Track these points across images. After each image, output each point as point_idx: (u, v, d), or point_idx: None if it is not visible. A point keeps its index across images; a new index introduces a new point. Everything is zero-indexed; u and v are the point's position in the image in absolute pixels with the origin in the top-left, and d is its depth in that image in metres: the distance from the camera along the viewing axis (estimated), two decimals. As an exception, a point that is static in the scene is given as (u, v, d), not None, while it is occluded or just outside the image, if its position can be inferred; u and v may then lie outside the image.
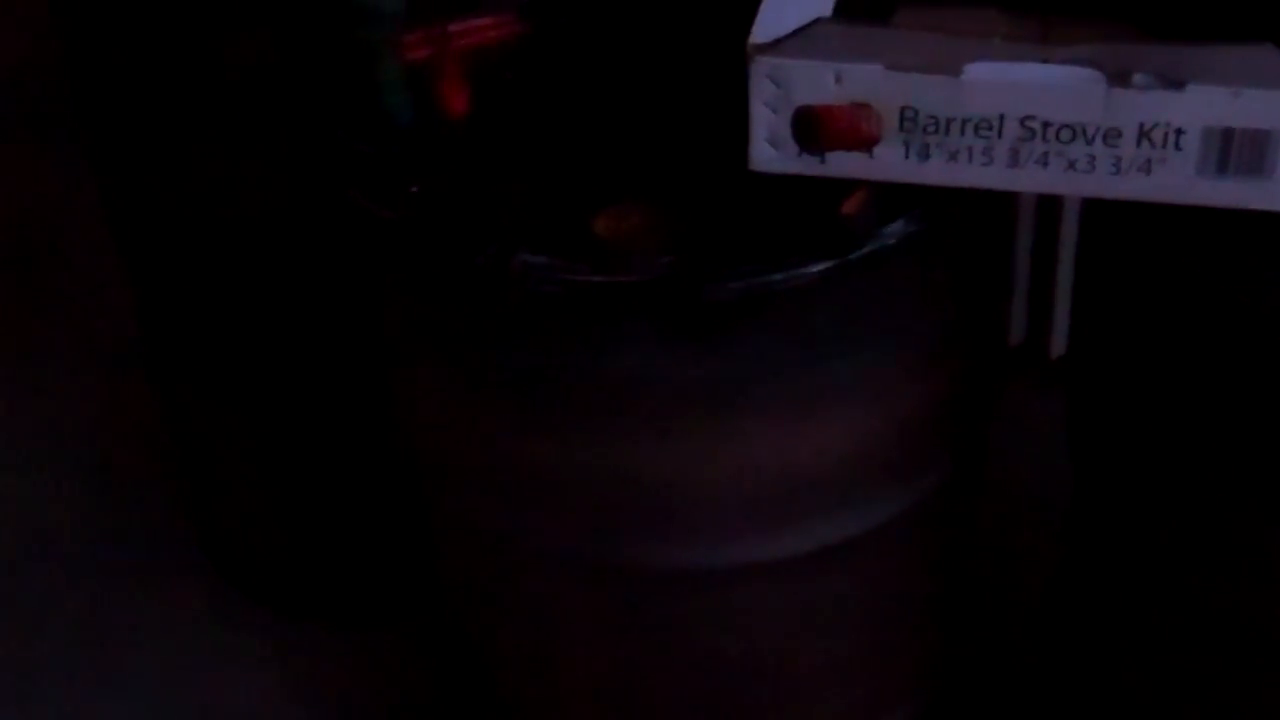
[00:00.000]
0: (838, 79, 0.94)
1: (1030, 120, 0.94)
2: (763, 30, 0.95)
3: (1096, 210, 1.20)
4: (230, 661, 1.63)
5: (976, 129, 0.95)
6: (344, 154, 1.07)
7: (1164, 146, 0.93)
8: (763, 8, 0.97)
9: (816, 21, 0.95)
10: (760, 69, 0.95)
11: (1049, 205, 1.63)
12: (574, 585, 1.16)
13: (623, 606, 1.16)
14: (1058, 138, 0.94)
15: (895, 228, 0.99)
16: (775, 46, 0.94)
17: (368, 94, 1.07)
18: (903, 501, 1.15)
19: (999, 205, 1.19)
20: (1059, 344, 1.82)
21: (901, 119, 0.95)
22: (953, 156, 0.96)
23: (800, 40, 0.94)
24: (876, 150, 0.96)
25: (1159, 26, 0.97)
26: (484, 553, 1.21)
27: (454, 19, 1.10)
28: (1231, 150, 0.93)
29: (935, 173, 0.96)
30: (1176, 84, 0.91)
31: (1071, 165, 0.95)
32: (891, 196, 0.98)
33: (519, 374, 1.05)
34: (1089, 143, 0.94)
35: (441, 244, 1.01)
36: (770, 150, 0.98)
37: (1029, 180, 0.96)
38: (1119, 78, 0.92)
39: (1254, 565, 1.06)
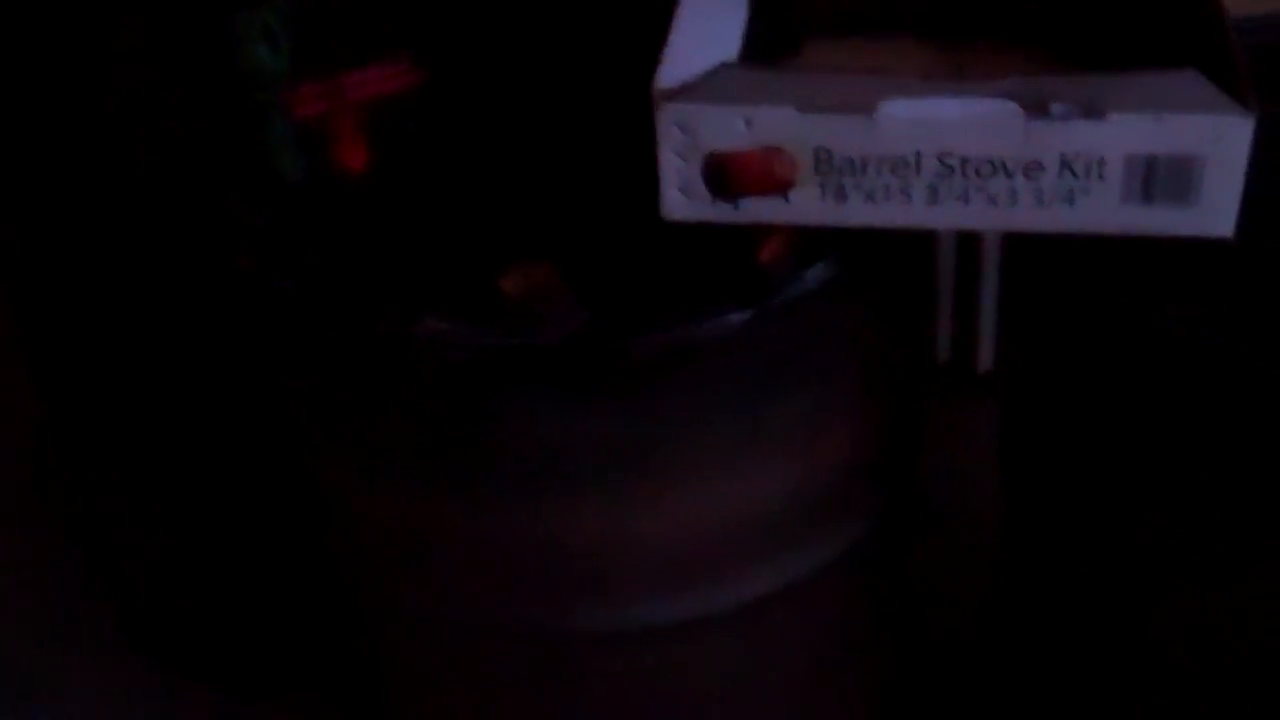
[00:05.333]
0: (748, 123, 0.91)
1: (948, 157, 0.91)
2: (668, 75, 0.92)
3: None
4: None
5: (894, 168, 0.92)
6: (235, 221, 1.02)
7: (1087, 177, 0.91)
8: (667, 52, 0.93)
9: (722, 65, 0.92)
10: (667, 116, 0.91)
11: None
12: (502, 654, 1.12)
13: (554, 671, 1.12)
14: (977, 173, 0.91)
15: (815, 272, 0.95)
16: (682, 92, 0.91)
17: (258, 157, 1.02)
18: (839, 543, 1.12)
19: (920, 234, 1.17)
20: (985, 359, 1.80)
21: (816, 161, 0.92)
22: (870, 197, 0.93)
23: (707, 84, 0.91)
24: (792, 194, 0.93)
25: (1078, 54, 0.94)
26: (405, 627, 1.17)
27: (347, 71, 1.05)
28: (1156, 177, 0.90)
29: (853, 214, 0.93)
30: (1097, 112, 0.89)
31: (993, 200, 0.92)
32: (810, 240, 0.95)
33: (431, 444, 1.00)
34: (1009, 176, 0.91)
35: (341, 311, 0.96)
36: (682, 199, 0.94)
37: (950, 217, 0.94)
38: (1037, 109, 0.89)
39: (1187, 581, 1.04)
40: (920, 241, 1.21)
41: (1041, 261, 1.16)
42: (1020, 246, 1.68)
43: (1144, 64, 0.90)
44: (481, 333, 0.92)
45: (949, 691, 1.48)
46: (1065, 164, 0.91)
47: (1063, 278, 1.08)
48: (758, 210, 0.94)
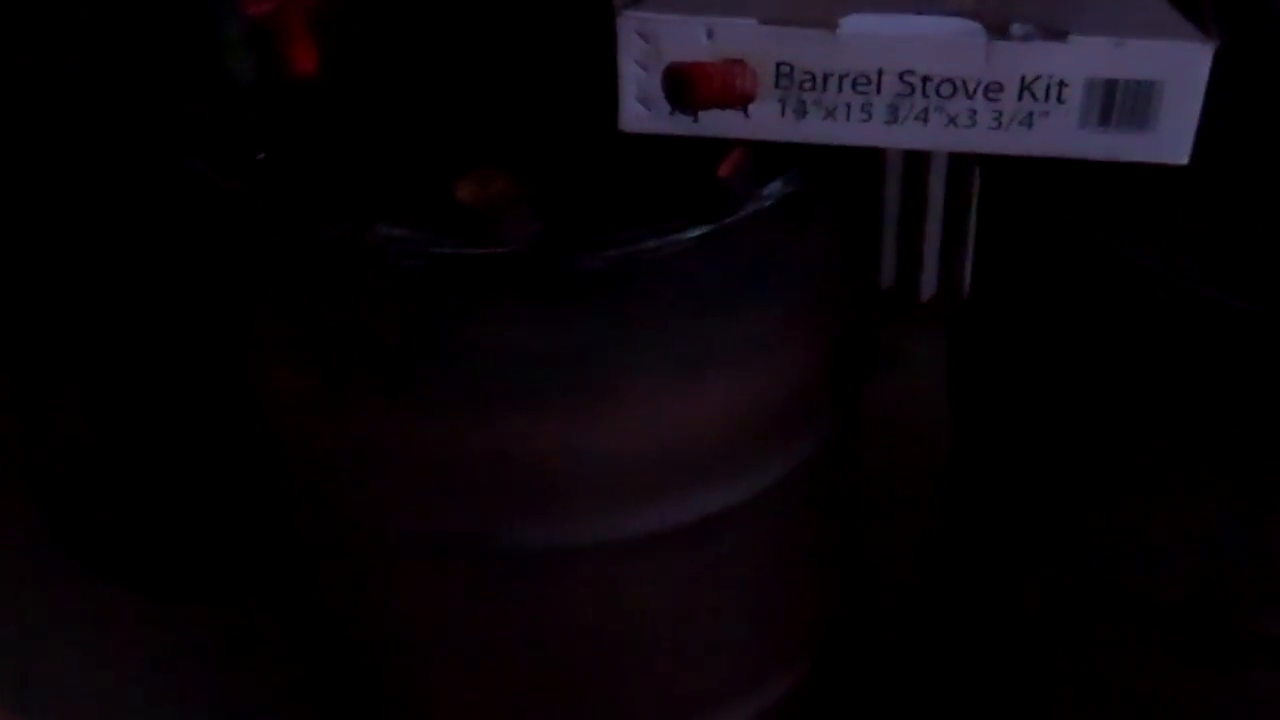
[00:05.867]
0: (710, 34, 0.90)
1: (909, 75, 0.90)
2: (631, -18, 0.90)
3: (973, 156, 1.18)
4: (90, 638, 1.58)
5: (854, 85, 0.91)
6: (184, 120, 0.99)
7: (1046, 99, 0.91)
8: (629, -42, 0.92)
9: (687, -27, 0.90)
10: (629, 24, 0.90)
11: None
12: (448, 567, 1.12)
13: (501, 587, 1.12)
14: (938, 92, 0.91)
15: (773, 188, 0.95)
16: (644, 0, 0.90)
17: (208, 57, 0.99)
18: (789, 462, 1.12)
19: (872, 154, 1.16)
20: (929, 286, 1.81)
21: (777, 75, 0.91)
22: (830, 113, 0.92)
23: (670, -7, 0.90)
24: (752, 108, 0.92)
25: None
26: (353, 538, 1.16)
27: (298, -31, 1.03)
28: (1115, 102, 0.91)
29: (812, 131, 0.93)
30: (1058, 34, 0.89)
31: (952, 121, 0.92)
32: (768, 155, 0.94)
33: (382, 354, 0.99)
34: (970, 97, 0.91)
35: (292, 216, 0.95)
36: (641, 110, 0.93)
37: (908, 137, 0.93)
38: (999, 29, 0.89)
39: (1131, 500, 1.05)
40: (873, 164, 1.21)
41: (986, 185, 1.16)
42: (966, 173, 1.70)
43: (1108, -13, 0.90)
44: (436, 241, 0.91)
45: (894, 615, 1.50)
46: (1025, 86, 0.91)
47: (1007, 201, 1.09)
48: (717, 124, 0.93)
